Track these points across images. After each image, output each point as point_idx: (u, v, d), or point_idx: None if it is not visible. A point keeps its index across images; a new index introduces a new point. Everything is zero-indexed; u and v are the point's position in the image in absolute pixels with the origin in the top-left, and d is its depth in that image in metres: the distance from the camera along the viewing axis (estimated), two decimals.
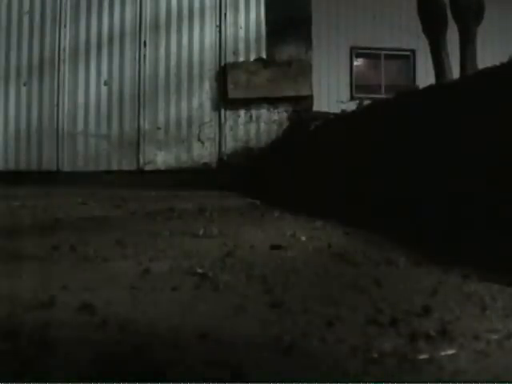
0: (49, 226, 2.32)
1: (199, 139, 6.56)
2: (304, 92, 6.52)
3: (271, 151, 5.64)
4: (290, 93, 6.48)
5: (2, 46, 6.76)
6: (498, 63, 1.81)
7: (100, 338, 0.83)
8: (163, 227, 2.25)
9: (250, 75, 6.38)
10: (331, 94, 10.27)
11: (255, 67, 6.44)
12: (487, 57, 4.57)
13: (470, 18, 3.99)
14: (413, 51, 10.75)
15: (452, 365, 0.73)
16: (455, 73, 4.11)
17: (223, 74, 6.45)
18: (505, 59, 1.86)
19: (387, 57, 11.10)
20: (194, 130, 6.56)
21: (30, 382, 0.66)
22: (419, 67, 10.76)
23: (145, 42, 6.80)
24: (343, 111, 4.41)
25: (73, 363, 0.72)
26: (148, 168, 6.75)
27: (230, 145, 6.53)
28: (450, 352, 0.77)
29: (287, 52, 6.52)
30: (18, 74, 6.81)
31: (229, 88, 6.36)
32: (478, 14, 4.03)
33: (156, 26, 6.81)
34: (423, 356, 0.76)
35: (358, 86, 10.89)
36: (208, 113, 6.57)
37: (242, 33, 6.62)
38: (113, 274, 1.30)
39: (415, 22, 4.69)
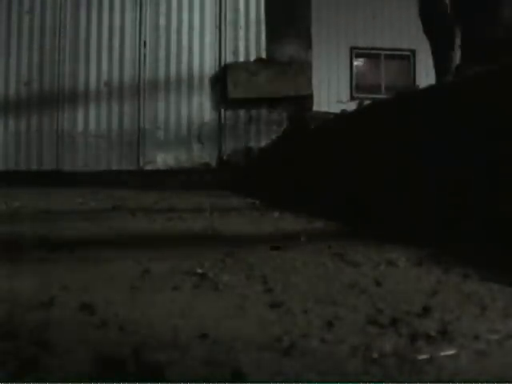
0: (48, 226, 2.33)
1: (199, 139, 6.56)
2: (304, 92, 6.52)
3: (271, 151, 5.64)
4: (290, 93, 6.48)
5: (2, 47, 6.76)
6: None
7: (100, 338, 0.83)
8: (163, 227, 2.25)
9: (250, 75, 6.38)
10: (331, 94, 10.26)
11: (255, 67, 6.43)
12: None
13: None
14: (413, 51, 10.74)
15: (452, 365, 0.73)
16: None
17: (223, 74, 6.45)
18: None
19: (387, 57, 11.10)
20: (194, 130, 6.56)
21: (29, 382, 0.66)
22: (419, 67, 10.76)
23: (145, 42, 6.80)
24: (343, 111, 4.42)
25: (73, 363, 0.72)
26: (148, 168, 6.75)
27: (229, 145, 6.53)
28: (450, 352, 0.77)
29: (287, 52, 6.52)
30: (18, 74, 6.81)
31: (229, 88, 6.36)
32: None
33: (156, 27, 6.81)
34: (423, 356, 0.76)
35: (357, 86, 10.89)
36: (208, 113, 6.57)
37: (241, 33, 6.61)
38: (113, 274, 1.30)
39: (415, 22, 4.70)
